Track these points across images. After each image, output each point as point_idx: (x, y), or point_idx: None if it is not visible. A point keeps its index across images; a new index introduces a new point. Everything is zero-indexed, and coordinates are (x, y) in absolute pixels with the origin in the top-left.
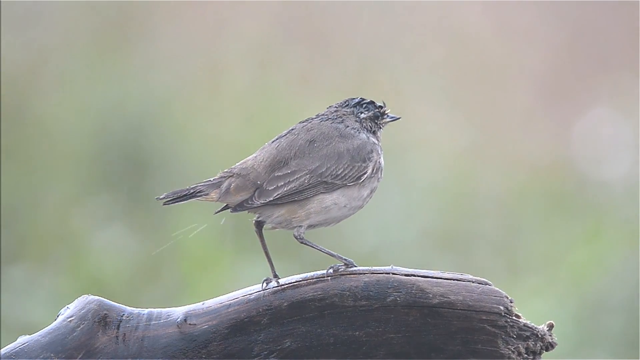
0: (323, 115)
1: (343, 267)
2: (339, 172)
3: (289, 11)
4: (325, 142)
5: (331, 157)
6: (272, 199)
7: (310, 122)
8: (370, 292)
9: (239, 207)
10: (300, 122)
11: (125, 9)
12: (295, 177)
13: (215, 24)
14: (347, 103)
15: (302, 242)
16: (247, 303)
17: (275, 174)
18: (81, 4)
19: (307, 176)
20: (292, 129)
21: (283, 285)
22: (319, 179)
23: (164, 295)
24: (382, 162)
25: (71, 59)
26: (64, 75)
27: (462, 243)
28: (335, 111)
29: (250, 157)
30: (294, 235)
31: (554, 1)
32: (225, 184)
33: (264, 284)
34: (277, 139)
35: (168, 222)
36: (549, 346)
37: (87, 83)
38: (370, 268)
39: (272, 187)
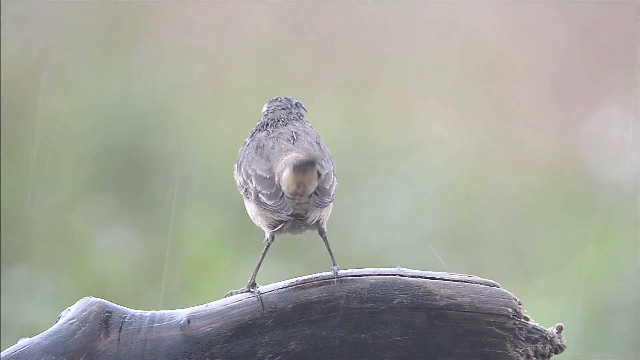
0: (288, 118)
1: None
2: (334, 168)
3: (295, 9)
4: (323, 144)
5: (329, 156)
6: (332, 197)
7: (290, 123)
8: (377, 294)
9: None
10: (273, 126)
11: (128, 7)
12: (333, 176)
13: (219, 21)
14: (290, 103)
15: (324, 237)
16: (251, 305)
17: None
18: (83, 3)
19: (333, 173)
20: (295, 132)
21: (287, 286)
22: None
23: (166, 297)
24: None
25: (73, 58)
26: (65, 75)
27: (470, 244)
28: (297, 112)
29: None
30: (321, 231)
31: (563, 0)
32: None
33: (255, 291)
34: (284, 141)
35: (170, 223)
36: (558, 349)
37: (89, 82)
38: (376, 269)
39: (328, 186)
